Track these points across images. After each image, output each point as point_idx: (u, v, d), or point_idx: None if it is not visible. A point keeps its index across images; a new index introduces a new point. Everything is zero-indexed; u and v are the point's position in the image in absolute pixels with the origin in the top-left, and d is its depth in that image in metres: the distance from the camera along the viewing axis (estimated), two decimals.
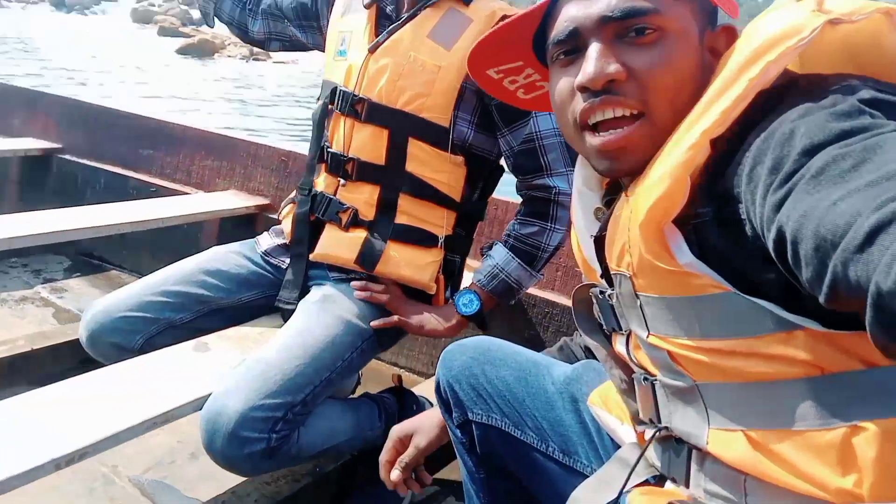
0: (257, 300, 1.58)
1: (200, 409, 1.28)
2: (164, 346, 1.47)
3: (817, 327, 0.64)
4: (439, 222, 1.47)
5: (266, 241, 1.64)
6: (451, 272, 1.53)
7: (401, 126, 1.42)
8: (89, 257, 2.89)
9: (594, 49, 0.74)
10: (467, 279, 1.56)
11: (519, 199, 1.52)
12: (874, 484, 0.61)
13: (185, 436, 1.72)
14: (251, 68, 15.73)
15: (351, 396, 1.64)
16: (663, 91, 0.73)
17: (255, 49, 17.34)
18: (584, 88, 0.75)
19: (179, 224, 2.40)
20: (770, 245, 0.60)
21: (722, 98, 0.67)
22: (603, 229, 0.84)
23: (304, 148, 2.61)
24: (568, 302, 1.97)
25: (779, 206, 0.58)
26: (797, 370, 0.66)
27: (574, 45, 0.77)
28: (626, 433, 0.91)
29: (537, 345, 1.98)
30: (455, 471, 1.77)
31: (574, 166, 1.40)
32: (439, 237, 1.46)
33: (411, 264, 1.44)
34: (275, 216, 2.57)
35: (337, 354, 1.35)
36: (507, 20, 0.86)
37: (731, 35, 0.78)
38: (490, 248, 1.51)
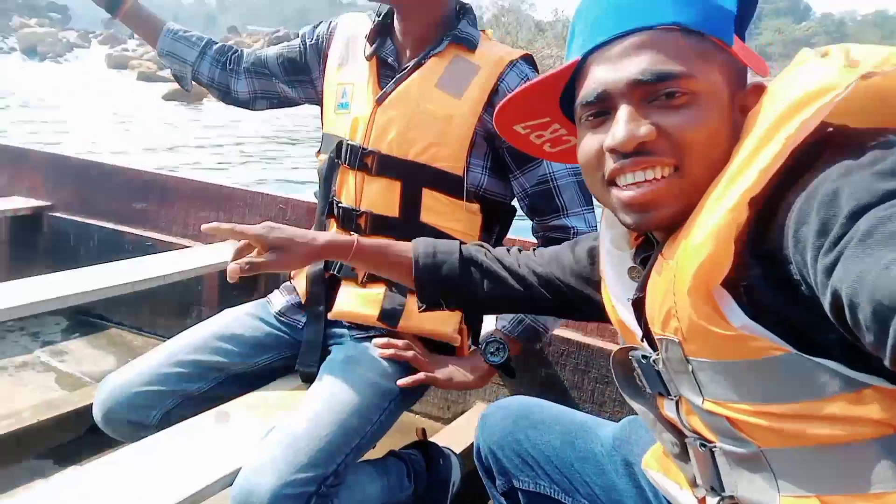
0: (275, 362, 1.54)
1: (229, 486, 1.24)
2: (182, 419, 1.42)
3: (885, 384, 0.62)
4: None
5: (279, 300, 1.60)
6: (473, 321, 1.50)
7: (414, 177, 1.40)
8: (87, 315, 2.83)
9: (624, 112, 0.73)
10: (488, 324, 1.53)
11: (532, 238, 1.50)
12: None
13: None
14: (241, 112, 15.62)
15: (374, 457, 1.59)
16: (695, 147, 0.72)
17: None
18: (613, 150, 0.74)
19: (180, 280, 2.36)
20: (828, 309, 0.59)
21: (759, 157, 0.66)
22: (640, 290, 0.82)
23: (301, 194, 2.61)
24: (584, 339, 1.96)
25: (830, 270, 0.57)
26: (869, 430, 0.64)
27: (603, 108, 0.76)
28: (686, 498, 0.88)
29: (554, 384, 1.95)
30: None
31: (591, 204, 1.41)
32: None
33: (434, 317, 1.40)
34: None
35: (366, 419, 1.31)
36: (534, 80, 0.86)
37: (761, 92, 0.77)
38: None
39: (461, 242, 1.18)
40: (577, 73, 0.81)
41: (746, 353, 0.68)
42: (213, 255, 2.49)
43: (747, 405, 0.70)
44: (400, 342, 1.42)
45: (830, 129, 0.68)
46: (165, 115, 13.99)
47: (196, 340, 1.50)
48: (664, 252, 0.76)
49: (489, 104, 1.37)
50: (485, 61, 1.40)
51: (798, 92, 0.66)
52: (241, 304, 1.64)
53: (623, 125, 0.73)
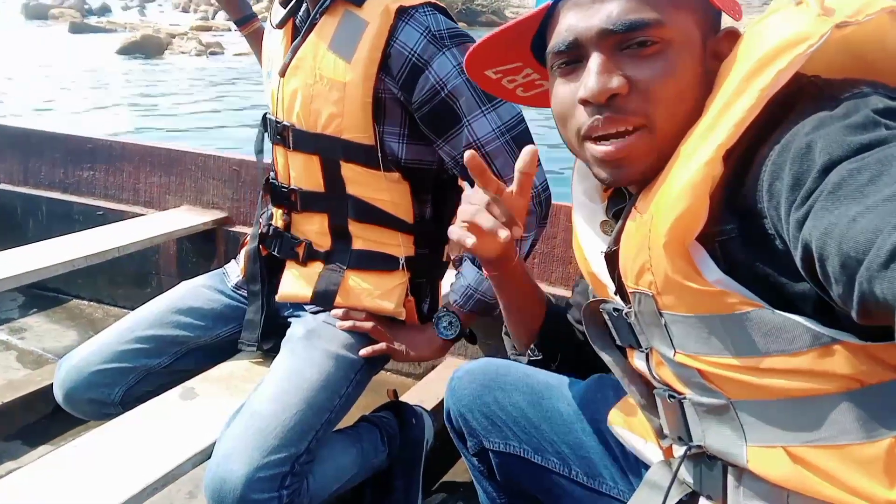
0: (236, 334, 1.51)
1: (201, 464, 1.23)
2: (145, 395, 1.40)
3: (854, 340, 0.63)
4: (396, 243, 1.39)
5: (234, 271, 1.57)
6: (421, 292, 1.45)
7: (328, 150, 1.32)
8: (44, 290, 2.76)
9: (595, 62, 0.72)
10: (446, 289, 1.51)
11: None
12: None
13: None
14: (210, 62, 14.66)
15: (347, 422, 1.59)
16: (666, 102, 0.71)
17: (208, 41, 16.35)
18: (586, 102, 0.73)
19: (137, 250, 2.30)
20: (799, 263, 0.59)
21: (733, 109, 0.65)
22: (614, 244, 0.81)
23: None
24: (548, 289, 1.97)
25: (801, 223, 0.58)
26: (837, 384, 0.65)
27: (574, 56, 0.75)
28: (651, 451, 0.90)
29: None
30: (459, 473, 1.77)
31: None
32: (399, 259, 1.38)
33: (373, 293, 1.37)
34: (235, 230, 2.52)
35: (333, 392, 1.29)
36: (505, 25, 0.84)
37: (735, 38, 0.75)
38: (461, 263, 1.44)
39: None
40: (548, 17, 0.79)
41: (720, 307, 0.69)
42: (169, 222, 2.44)
43: (718, 358, 0.71)
44: (359, 313, 1.39)
45: (804, 79, 0.68)
46: (133, 72, 13.01)
47: (154, 315, 1.47)
48: (638, 205, 0.76)
49: (385, 67, 1.25)
50: (372, 13, 1.25)
51: (772, 41, 0.65)
52: (199, 274, 1.61)
53: (595, 76, 0.71)
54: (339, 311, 1.38)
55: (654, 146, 0.72)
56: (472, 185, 1.36)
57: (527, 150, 0.87)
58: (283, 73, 1.35)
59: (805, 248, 0.57)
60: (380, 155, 1.31)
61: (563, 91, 0.77)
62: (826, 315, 0.64)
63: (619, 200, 0.86)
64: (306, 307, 1.43)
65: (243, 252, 1.52)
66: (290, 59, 1.34)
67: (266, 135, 1.46)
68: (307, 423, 1.22)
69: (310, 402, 1.25)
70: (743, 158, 0.66)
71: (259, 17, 1.85)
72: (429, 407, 1.67)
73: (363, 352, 1.35)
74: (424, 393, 1.78)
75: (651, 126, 0.72)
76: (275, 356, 1.39)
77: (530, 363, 1.09)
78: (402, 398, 1.64)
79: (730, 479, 0.77)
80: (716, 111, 0.67)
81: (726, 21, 0.79)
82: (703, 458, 0.80)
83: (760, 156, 0.65)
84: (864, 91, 0.63)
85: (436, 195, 1.43)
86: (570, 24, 0.74)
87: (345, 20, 1.29)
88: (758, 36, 0.68)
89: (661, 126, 0.72)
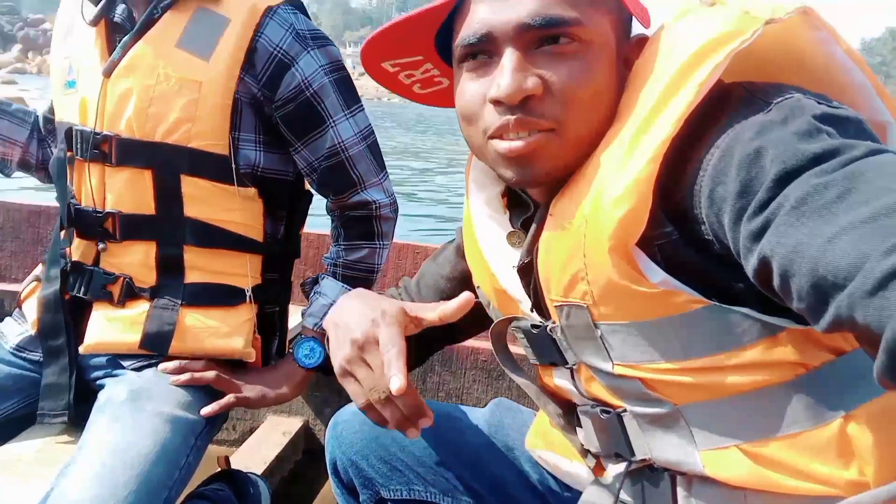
0: (21, 409, 1.21)
1: None
2: None
3: (796, 325, 0.65)
4: (242, 271, 1.23)
5: (13, 330, 1.26)
6: (270, 327, 1.31)
7: (166, 163, 1.15)
8: None
9: (510, 59, 0.68)
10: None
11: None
12: (876, 468, 0.64)
13: None
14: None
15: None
16: (580, 107, 0.69)
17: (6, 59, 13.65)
18: (498, 102, 0.69)
19: None
20: (751, 272, 0.59)
21: (670, 105, 0.64)
22: (526, 256, 0.77)
23: (19, 194, 2.12)
24: None
25: (757, 235, 0.57)
26: (785, 373, 0.66)
27: (485, 50, 0.71)
28: (578, 471, 0.85)
29: None
30: None
31: (385, 169, 1.31)
32: (245, 290, 1.23)
33: (218, 332, 1.19)
34: (7, 288, 2.06)
35: (172, 464, 1.06)
36: (409, 13, 0.77)
37: (644, 45, 0.76)
38: (315, 283, 1.31)
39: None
40: (457, 7, 0.73)
41: (667, 309, 0.67)
42: None
43: (664, 363, 0.69)
44: (196, 363, 1.19)
45: (726, 83, 0.68)
46: None
47: None
48: (555, 212, 0.72)
49: (248, 64, 1.15)
50: (235, 11, 1.16)
51: (702, 39, 0.65)
52: None
53: (509, 75, 0.67)
54: (169, 365, 1.17)
55: (562, 149, 0.70)
56: (325, 196, 1.30)
57: (465, 298, 0.80)
58: (108, 73, 1.15)
59: (762, 261, 0.57)
60: (234, 166, 1.16)
61: (472, 88, 0.72)
62: (767, 304, 0.64)
63: (522, 210, 0.82)
64: (124, 363, 1.19)
65: (34, 302, 1.23)
66: (119, 58, 1.15)
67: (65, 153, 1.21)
68: None
69: (144, 479, 1.00)
70: (674, 160, 0.65)
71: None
72: (259, 471, 1.47)
73: (207, 410, 1.14)
74: (250, 458, 1.58)
75: (561, 130, 0.69)
76: (78, 431, 1.12)
77: None
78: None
79: (679, 490, 0.74)
80: (649, 108, 0.65)
81: (636, 28, 0.81)
82: (644, 473, 0.77)
83: (694, 159, 0.64)
84: (794, 95, 0.63)
85: (291, 212, 1.31)
86: (484, 16, 0.70)
87: (198, 17, 1.15)
88: (679, 35, 0.68)
89: (572, 130, 0.70)
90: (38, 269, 1.29)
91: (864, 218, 0.50)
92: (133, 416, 1.09)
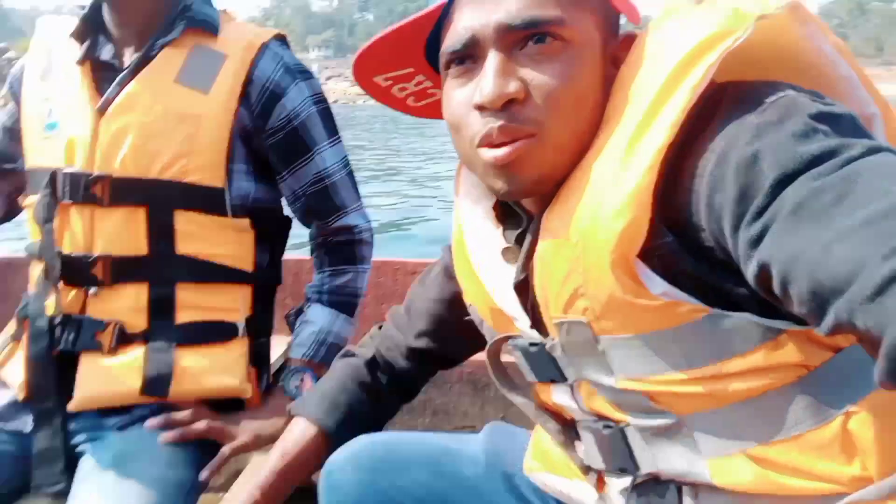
0: (7, 483, 1.13)
1: None
2: None
3: (796, 327, 0.64)
4: (234, 305, 1.21)
5: None
6: (262, 359, 1.28)
7: (161, 199, 1.13)
8: None
9: (492, 63, 0.67)
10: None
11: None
12: (878, 462, 0.63)
13: None
14: None
15: None
16: (563, 110, 0.68)
17: None
18: (482, 108, 0.68)
19: None
20: (751, 279, 0.58)
21: (665, 110, 0.62)
22: (522, 273, 0.76)
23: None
24: None
25: (756, 241, 0.57)
26: (787, 375, 0.65)
27: (470, 54, 0.70)
28: (581, 489, 0.84)
29: None
30: None
31: (360, 196, 1.33)
32: (238, 323, 1.20)
33: (214, 370, 1.16)
34: None
35: None
36: (397, 24, 0.75)
37: (632, 43, 0.74)
38: (299, 313, 1.31)
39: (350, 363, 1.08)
40: (443, 17, 0.73)
41: (669, 320, 0.66)
42: None
43: (668, 375, 0.68)
44: (182, 415, 1.15)
45: (718, 84, 0.66)
46: None
47: None
48: (548, 227, 0.71)
49: (244, 96, 1.18)
50: (232, 47, 1.20)
51: (693, 39, 0.63)
52: None
53: (491, 78, 0.66)
54: (155, 421, 1.13)
55: (546, 154, 0.68)
56: (308, 225, 1.32)
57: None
58: (102, 111, 1.13)
59: (762, 267, 0.56)
60: (228, 198, 1.18)
61: (458, 95, 0.71)
62: (768, 307, 0.64)
63: (515, 223, 0.81)
64: (109, 421, 1.15)
65: (16, 365, 1.18)
66: (116, 95, 1.14)
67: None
68: None
69: None
70: (669, 165, 0.63)
71: None
72: None
73: (205, 475, 1.12)
74: None
75: (543, 134, 0.68)
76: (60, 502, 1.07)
77: None
78: None
79: (686, 500, 0.73)
80: (642, 113, 0.64)
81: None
82: (650, 486, 0.76)
83: (690, 164, 0.63)
84: (788, 93, 0.62)
85: (274, 241, 1.33)
86: (467, 22, 0.69)
87: (196, 53, 1.19)
88: (669, 35, 0.67)
89: (554, 134, 0.68)
90: (10, 328, 1.24)
91: (862, 222, 0.50)
92: (117, 485, 1.05)
